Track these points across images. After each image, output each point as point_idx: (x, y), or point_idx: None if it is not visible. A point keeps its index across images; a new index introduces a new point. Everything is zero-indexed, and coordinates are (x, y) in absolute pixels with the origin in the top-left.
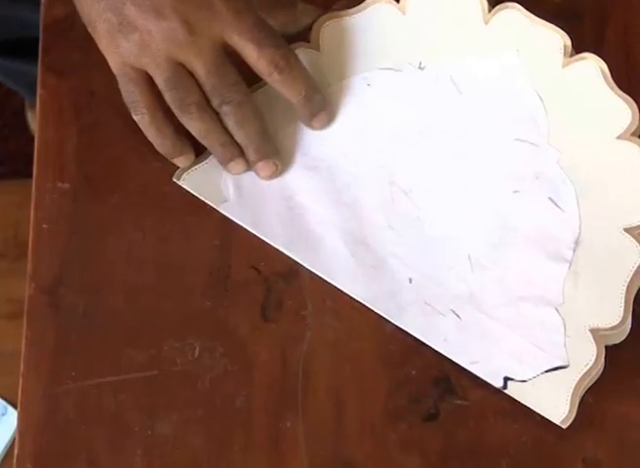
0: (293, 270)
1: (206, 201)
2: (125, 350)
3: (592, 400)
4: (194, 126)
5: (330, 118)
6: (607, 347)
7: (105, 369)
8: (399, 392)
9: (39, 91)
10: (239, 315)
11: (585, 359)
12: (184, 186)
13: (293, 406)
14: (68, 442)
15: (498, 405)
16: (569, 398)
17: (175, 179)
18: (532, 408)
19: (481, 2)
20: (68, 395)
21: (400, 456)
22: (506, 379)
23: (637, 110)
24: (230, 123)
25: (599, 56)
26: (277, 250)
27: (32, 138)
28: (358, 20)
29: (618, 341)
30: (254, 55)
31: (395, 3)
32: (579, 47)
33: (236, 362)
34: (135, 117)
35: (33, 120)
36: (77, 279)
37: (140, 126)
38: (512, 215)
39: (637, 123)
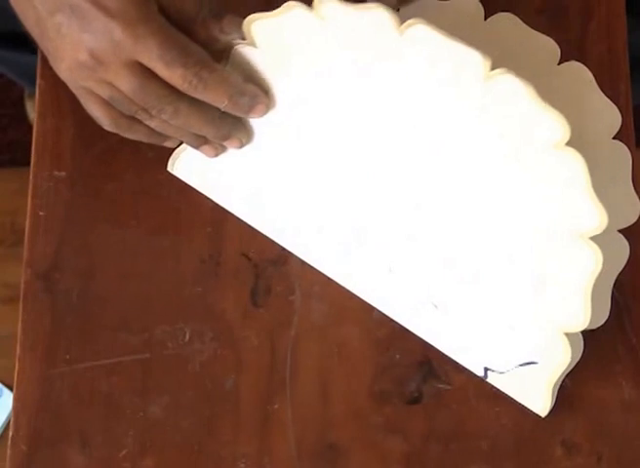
0: (282, 257)
1: (197, 188)
2: (118, 334)
3: (571, 384)
4: (151, 125)
5: (268, 105)
6: (586, 332)
7: (99, 352)
8: (384, 376)
9: (38, 81)
10: (229, 300)
11: (558, 354)
12: (176, 174)
13: (281, 389)
14: (62, 423)
15: (479, 389)
16: (544, 389)
17: (169, 169)
18: (511, 396)
19: (391, 17)
20: (63, 377)
21: (384, 438)
22: (486, 369)
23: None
24: (176, 126)
25: (583, 48)
26: (267, 237)
27: (31, 128)
28: (282, 22)
29: (594, 327)
30: (165, 75)
31: (311, 10)
32: (563, 40)
33: (226, 346)
34: (104, 128)
35: (32, 110)
36: (72, 265)
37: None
38: (482, 212)
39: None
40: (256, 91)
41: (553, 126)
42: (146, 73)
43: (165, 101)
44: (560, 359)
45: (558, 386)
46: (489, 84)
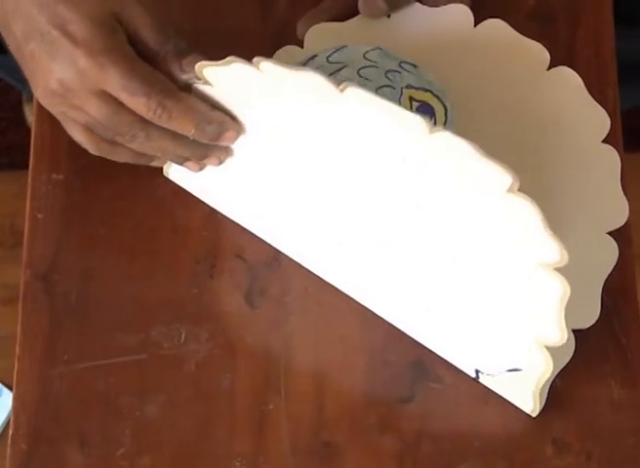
0: (276, 258)
1: (191, 192)
2: (115, 335)
3: (561, 384)
4: (132, 147)
5: (238, 131)
6: (576, 333)
7: (97, 352)
8: (377, 375)
9: None
10: (224, 301)
11: (540, 364)
12: (171, 179)
13: (275, 389)
14: (61, 423)
15: (471, 388)
16: (532, 393)
17: (164, 173)
18: (503, 396)
19: (324, 80)
20: (61, 378)
21: (378, 437)
22: (477, 371)
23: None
24: (153, 150)
25: (571, 53)
26: (261, 239)
27: (29, 131)
28: (228, 71)
29: (584, 327)
30: (130, 104)
31: (252, 64)
32: (553, 46)
33: (221, 346)
34: (90, 152)
35: (30, 113)
36: (70, 266)
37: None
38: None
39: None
40: (223, 118)
41: (500, 176)
42: (115, 100)
43: (137, 127)
44: (542, 369)
45: (547, 389)
46: (431, 140)
